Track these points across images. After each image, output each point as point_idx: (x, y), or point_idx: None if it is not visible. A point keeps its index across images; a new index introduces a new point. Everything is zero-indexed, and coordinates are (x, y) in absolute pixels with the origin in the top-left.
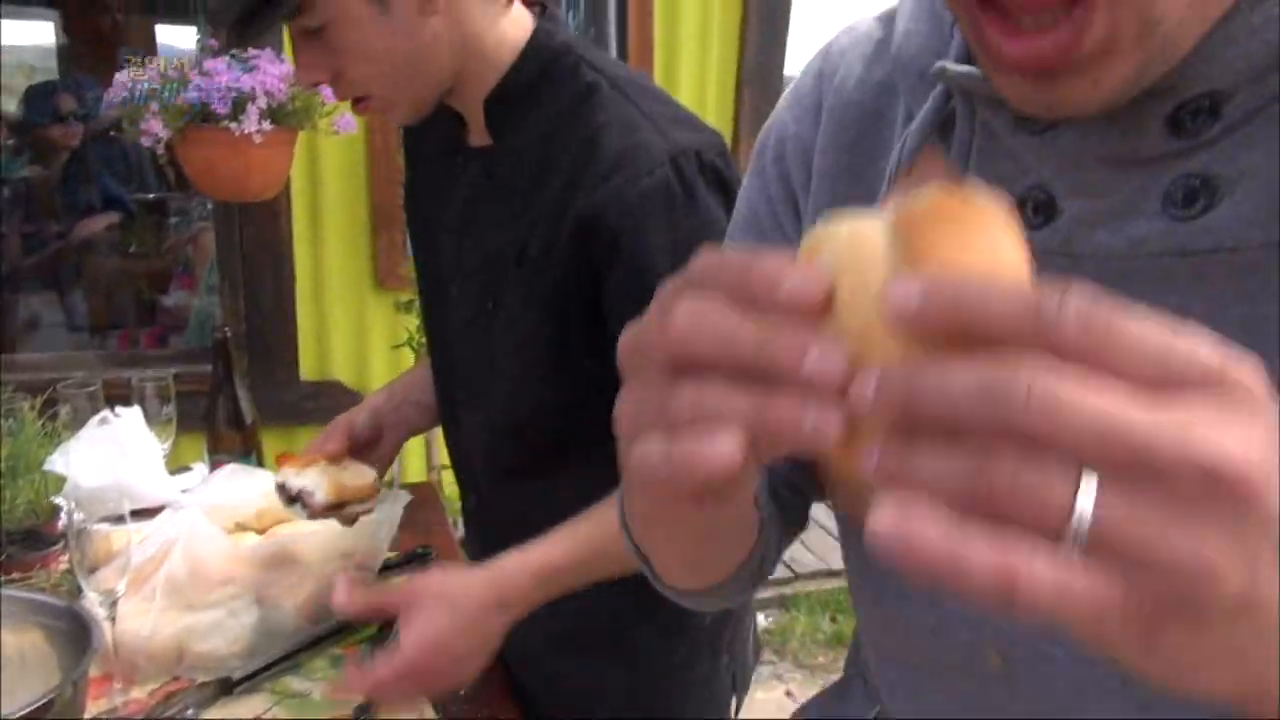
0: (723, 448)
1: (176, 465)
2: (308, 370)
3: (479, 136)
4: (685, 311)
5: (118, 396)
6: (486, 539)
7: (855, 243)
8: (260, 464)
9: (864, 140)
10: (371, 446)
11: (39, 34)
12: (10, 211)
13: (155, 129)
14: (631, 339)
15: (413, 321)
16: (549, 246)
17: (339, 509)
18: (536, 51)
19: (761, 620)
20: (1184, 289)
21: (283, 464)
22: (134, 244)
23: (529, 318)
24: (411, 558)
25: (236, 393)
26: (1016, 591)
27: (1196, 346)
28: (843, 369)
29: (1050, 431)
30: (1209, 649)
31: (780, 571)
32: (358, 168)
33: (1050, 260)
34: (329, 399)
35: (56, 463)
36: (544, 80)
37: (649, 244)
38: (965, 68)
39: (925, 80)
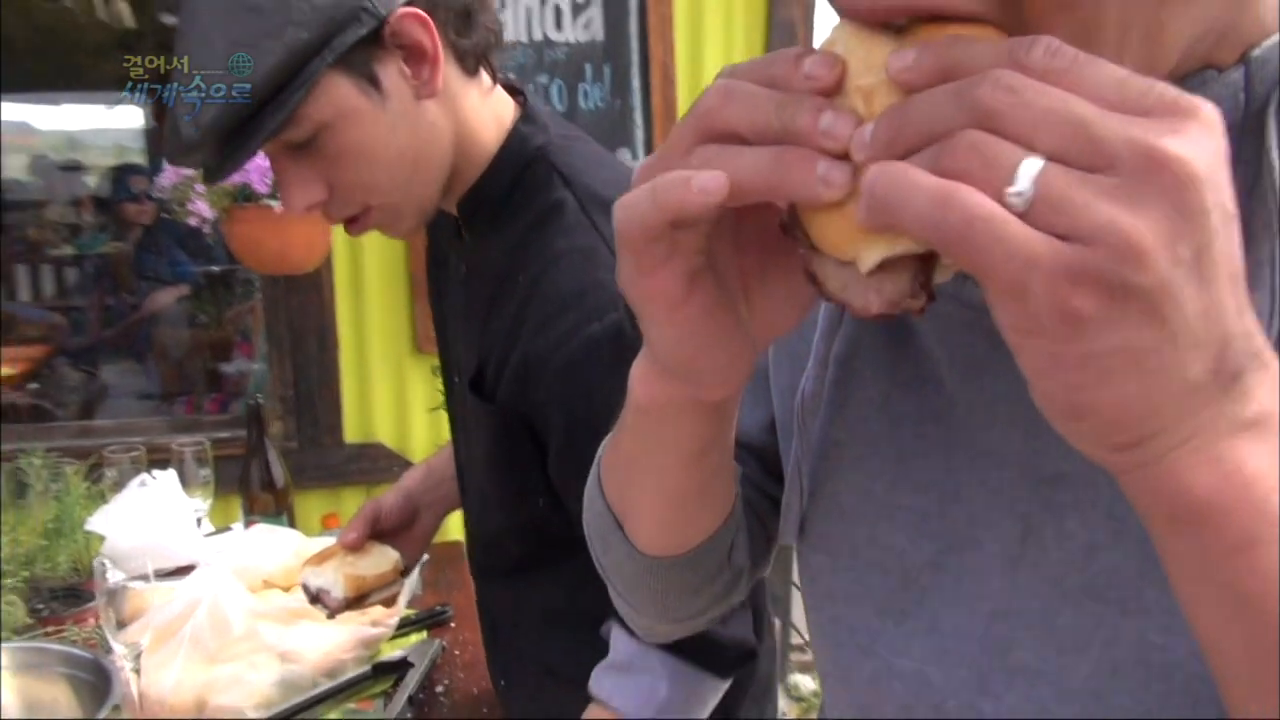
0: (710, 181)
1: (220, 525)
2: (351, 433)
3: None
4: (715, 89)
5: (163, 461)
6: (486, 620)
7: (863, 33)
8: (292, 524)
9: None
10: (405, 527)
11: (131, 118)
12: (92, 285)
13: (201, 210)
14: (647, 161)
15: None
16: (497, 379)
17: (359, 602)
18: (511, 157)
19: (810, 683)
20: None
21: (327, 525)
22: (200, 314)
23: (484, 445)
24: (429, 615)
25: (268, 457)
26: (949, 208)
27: (1156, 82)
28: (852, 129)
29: (1006, 109)
30: (1117, 340)
31: None
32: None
33: (991, 321)
34: (371, 460)
35: (97, 523)
36: (516, 189)
37: (593, 393)
38: None
39: None
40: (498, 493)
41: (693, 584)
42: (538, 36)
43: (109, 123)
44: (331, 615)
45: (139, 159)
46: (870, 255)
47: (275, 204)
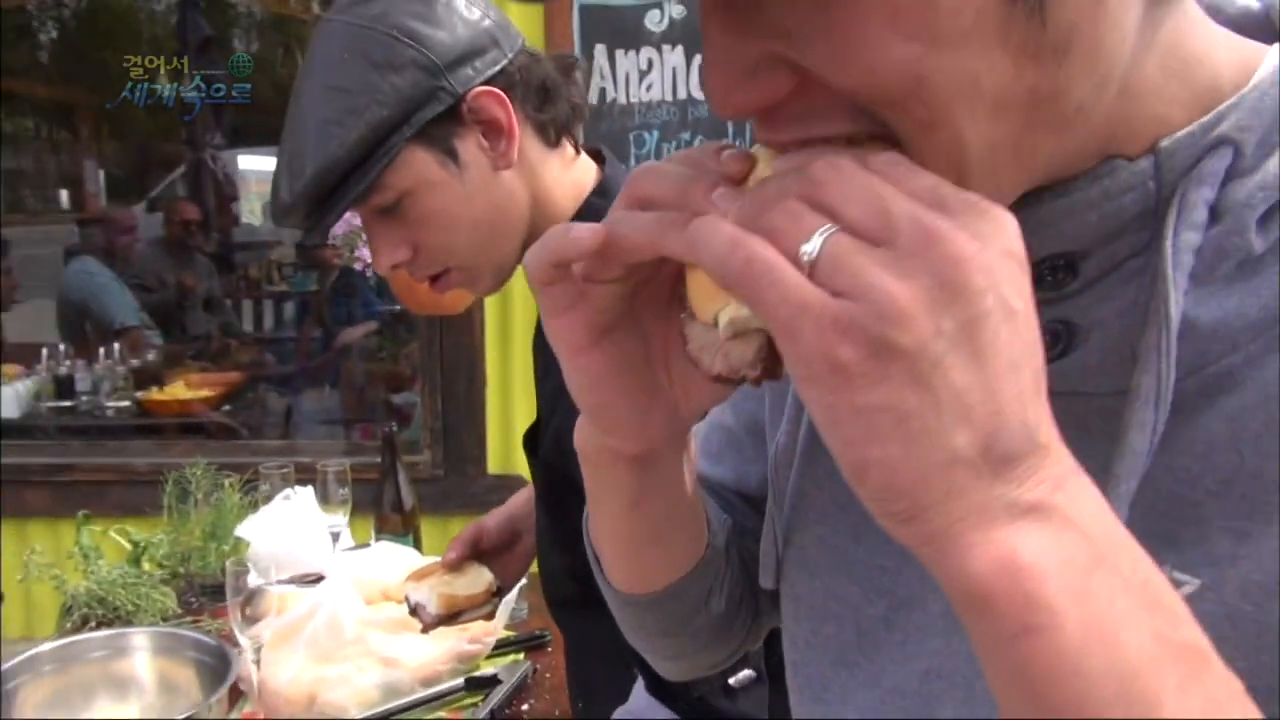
0: (583, 231)
1: (360, 541)
2: (494, 464)
3: None
4: (645, 166)
5: (313, 479)
6: (566, 646)
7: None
8: (417, 544)
9: None
10: (507, 548)
11: None
12: (299, 319)
13: (365, 256)
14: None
15: None
16: (544, 437)
17: (453, 619)
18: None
19: None
20: (1060, 421)
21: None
22: (382, 350)
23: (538, 491)
24: (527, 639)
25: (399, 481)
26: (736, 252)
27: (968, 192)
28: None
29: (827, 182)
30: (881, 397)
31: None
32: None
33: None
34: (510, 491)
35: (244, 530)
36: None
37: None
38: None
39: None
40: (551, 535)
41: (665, 625)
42: (682, 95)
43: None
44: (425, 630)
45: None
46: (724, 314)
47: None
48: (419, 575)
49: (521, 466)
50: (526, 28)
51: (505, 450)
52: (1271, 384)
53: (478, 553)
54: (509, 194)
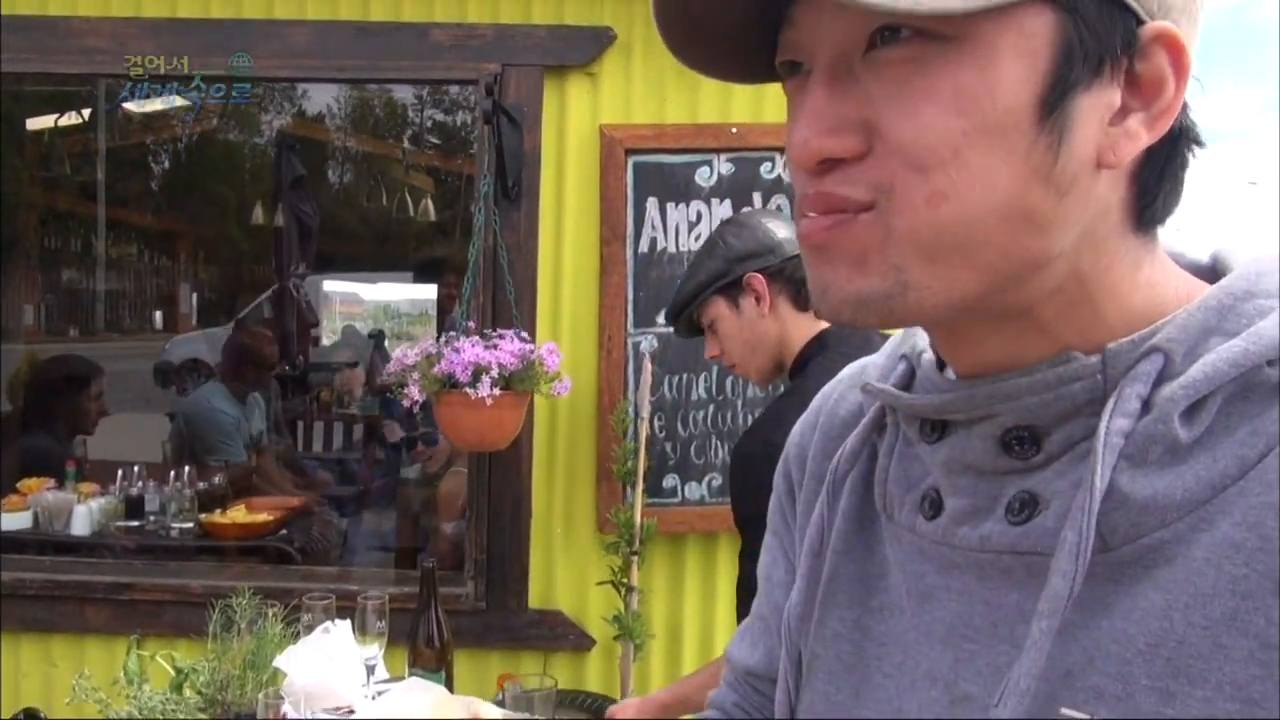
0: None
1: (395, 674)
2: (535, 599)
3: None
4: None
5: (353, 609)
6: None
7: None
8: (449, 680)
9: (836, 450)
10: None
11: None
12: (365, 442)
13: (414, 393)
14: None
15: (616, 561)
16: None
17: None
18: (805, 350)
19: None
20: (1021, 583)
21: (500, 686)
22: (438, 478)
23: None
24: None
25: (436, 616)
26: None
27: None
28: None
29: None
30: None
31: None
32: (588, 426)
33: (937, 550)
34: (550, 627)
35: (281, 661)
36: (806, 365)
37: (737, 488)
38: (882, 385)
39: (873, 398)
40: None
41: None
42: None
43: (420, 294)
44: None
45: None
46: None
47: (473, 391)
48: None
49: (562, 602)
50: (585, 178)
51: (547, 585)
52: (1198, 561)
53: None
54: (765, 330)
